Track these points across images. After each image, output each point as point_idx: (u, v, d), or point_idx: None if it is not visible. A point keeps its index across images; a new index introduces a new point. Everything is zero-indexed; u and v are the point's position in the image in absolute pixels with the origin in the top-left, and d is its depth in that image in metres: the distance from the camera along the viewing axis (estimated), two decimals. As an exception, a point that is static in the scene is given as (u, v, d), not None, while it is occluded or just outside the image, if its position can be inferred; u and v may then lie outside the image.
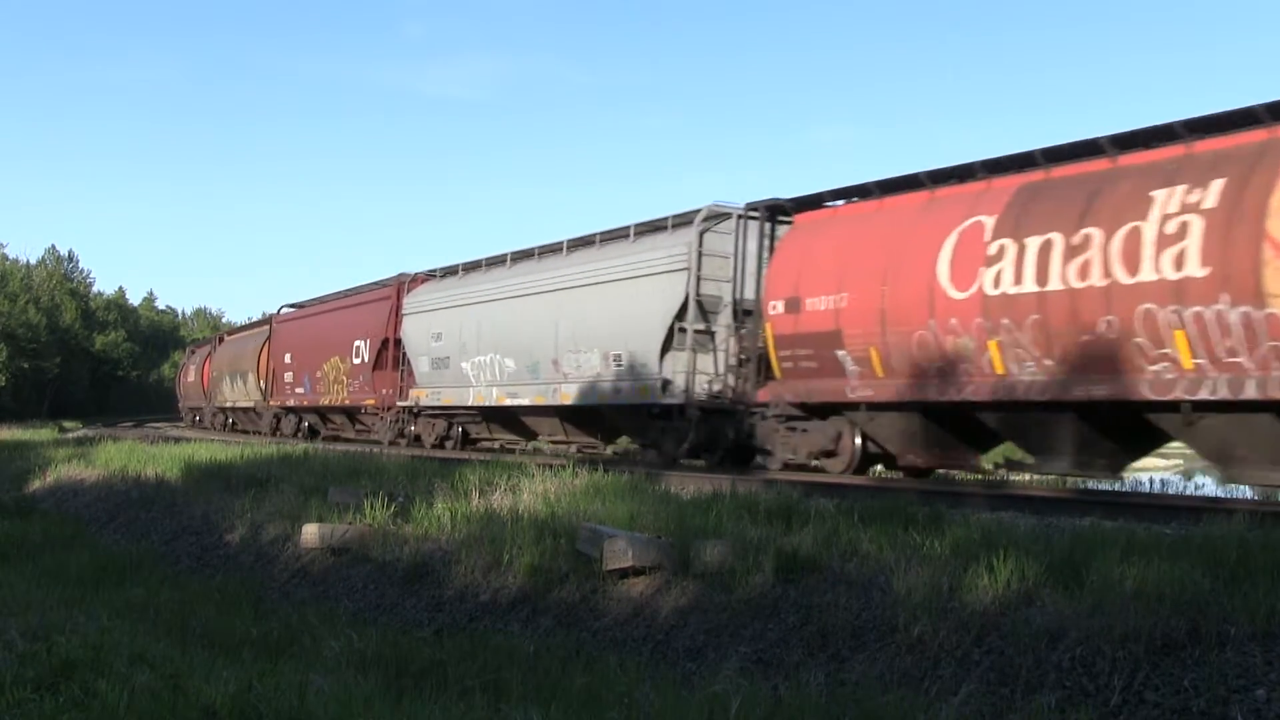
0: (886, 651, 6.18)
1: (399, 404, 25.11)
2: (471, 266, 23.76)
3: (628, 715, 5.45)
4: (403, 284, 26.18)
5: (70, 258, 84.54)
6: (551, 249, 20.80)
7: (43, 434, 36.25)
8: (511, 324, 20.67)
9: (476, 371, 21.81)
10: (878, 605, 6.54)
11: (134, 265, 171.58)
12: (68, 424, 50.62)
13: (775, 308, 14.52)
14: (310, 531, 10.62)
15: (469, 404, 22.12)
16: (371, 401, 26.69)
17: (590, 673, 6.46)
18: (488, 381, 21.44)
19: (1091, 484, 13.33)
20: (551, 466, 12.52)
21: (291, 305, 35.64)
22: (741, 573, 7.30)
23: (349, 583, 9.93)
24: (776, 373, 14.58)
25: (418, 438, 24.84)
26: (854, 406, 13.59)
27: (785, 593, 7.07)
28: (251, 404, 36.83)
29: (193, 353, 53.59)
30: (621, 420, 18.74)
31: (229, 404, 40.24)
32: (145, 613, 8.84)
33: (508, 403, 20.84)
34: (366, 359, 26.88)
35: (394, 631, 8.17)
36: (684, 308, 16.33)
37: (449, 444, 23.65)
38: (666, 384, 16.51)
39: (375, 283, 28.96)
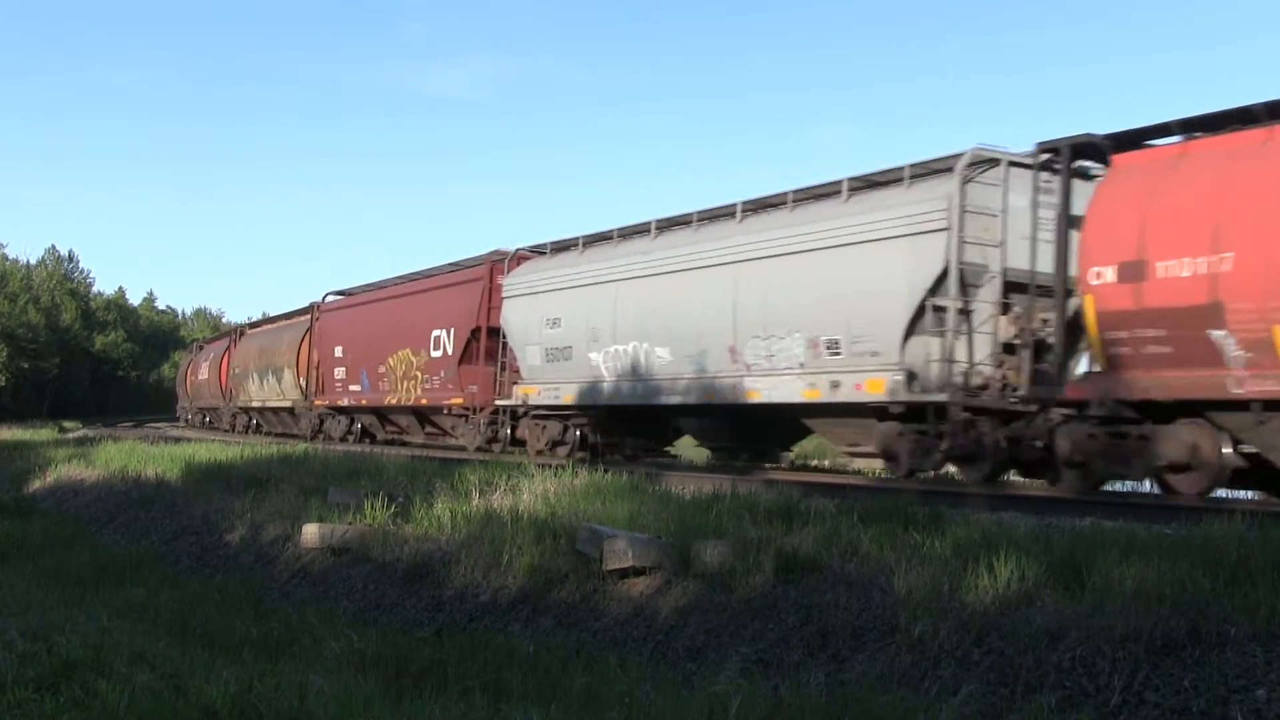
0: (887, 651, 6.18)
1: (498, 403, 21.25)
2: (596, 239, 19.71)
3: (628, 715, 5.46)
4: (498, 262, 22.21)
5: (70, 258, 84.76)
6: (717, 214, 17.18)
7: (43, 434, 36.25)
8: (665, 306, 17.03)
9: (612, 363, 18.07)
10: (878, 605, 6.54)
11: (134, 265, 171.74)
12: (68, 424, 50.61)
13: (1100, 276, 11.37)
14: (310, 531, 10.63)
15: (602, 402, 18.44)
16: (458, 401, 22.58)
17: (590, 673, 6.47)
18: (628, 375, 17.90)
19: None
20: (550, 466, 12.52)
21: (338, 292, 31.23)
22: (742, 573, 7.31)
23: (349, 583, 9.94)
24: (1100, 361, 11.57)
25: (518, 442, 21.02)
26: (1233, 406, 10.52)
27: (785, 593, 7.07)
28: (288, 404, 32.63)
29: (201, 349, 49.69)
30: (829, 422, 15.36)
31: (256, 404, 35.82)
32: (145, 613, 8.85)
33: (660, 401, 17.24)
34: (450, 351, 22.94)
35: (394, 631, 8.19)
36: (941, 279, 13.02)
37: (560, 450, 19.70)
38: (912, 376, 13.27)
39: (454, 264, 24.92)
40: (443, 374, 23.20)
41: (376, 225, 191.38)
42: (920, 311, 13.20)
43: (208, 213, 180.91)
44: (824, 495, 9.88)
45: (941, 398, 12.83)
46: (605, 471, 11.88)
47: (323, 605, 9.49)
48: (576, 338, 18.91)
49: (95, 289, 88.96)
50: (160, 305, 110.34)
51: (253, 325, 40.69)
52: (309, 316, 31.83)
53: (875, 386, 13.58)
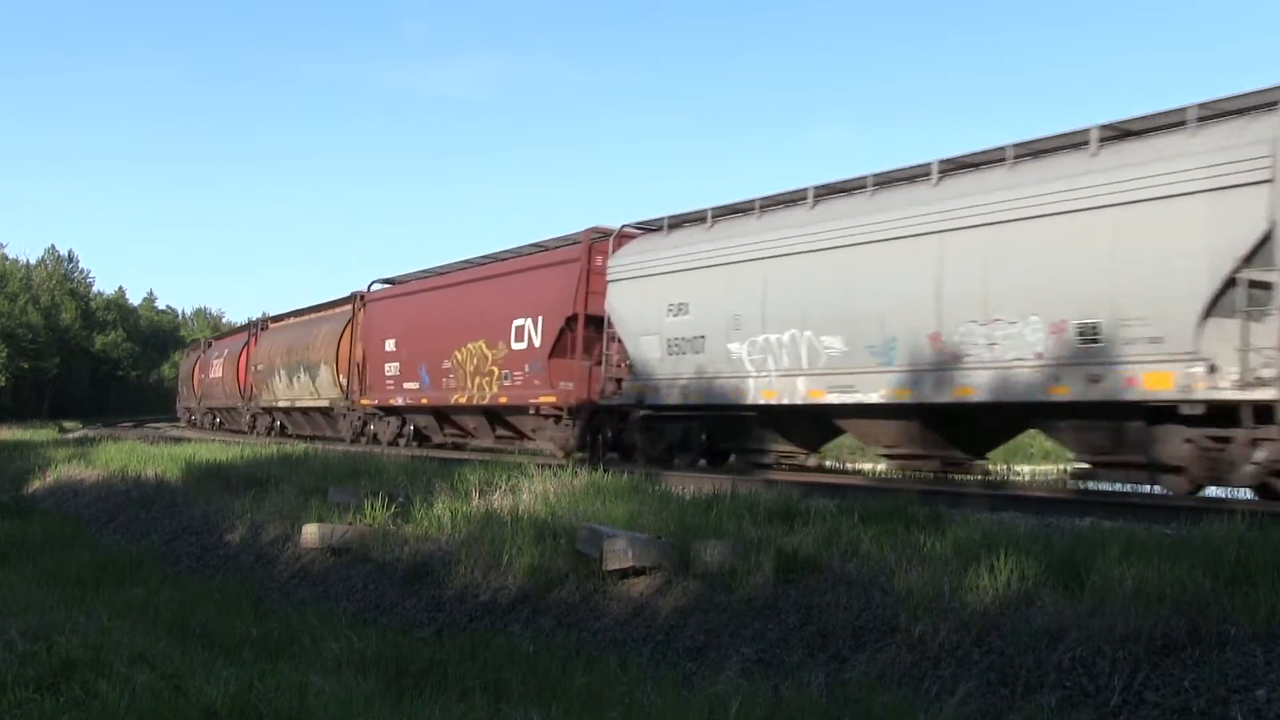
0: (887, 651, 6.18)
1: (600, 401, 18.30)
2: (730, 211, 16.81)
3: (628, 715, 5.46)
4: (597, 241, 19.23)
5: (70, 258, 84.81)
6: (899, 177, 14.43)
7: (43, 434, 36.28)
8: (835, 286, 14.31)
9: (761, 355, 15.31)
10: (878, 605, 6.54)
11: (134, 265, 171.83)
12: (68, 424, 50.69)
13: None
14: (310, 531, 10.63)
15: (748, 401, 15.58)
16: (549, 399, 19.41)
17: (591, 673, 6.47)
18: (784, 369, 14.96)
19: (1092, 484, 13.15)
20: (550, 467, 12.52)
21: (385, 281, 27.90)
22: (742, 573, 7.31)
23: (349, 583, 9.94)
24: None
25: (622, 447, 18.33)
26: None
27: (785, 593, 7.07)
28: (324, 403, 29.40)
29: (210, 345, 46.43)
30: (1072, 424, 12.44)
31: (283, 403, 32.59)
32: (145, 613, 8.85)
33: (829, 399, 14.39)
34: (538, 343, 19.85)
35: (394, 632, 8.19)
36: (1261, 246, 10.41)
37: (682, 457, 17.09)
38: (1212, 368, 10.69)
39: (536, 244, 21.77)
40: (527, 369, 20.10)
41: (377, 225, 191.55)
42: (1226, 286, 10.61)
43: (208, 213, 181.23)
44: (824, 495, 9.88)
45: (1273, 395, 10.22)
46: (605, 472, 11.88)
47: (323, 605, 9.49)
48: (711, 326, 16.18)
49: (95, 289, 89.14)
50: (160, 305, 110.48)
51: (276, 319, 36.98)
52: (350, 307, 28.66)
53: (1159, 381, 11.04)
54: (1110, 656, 5.36)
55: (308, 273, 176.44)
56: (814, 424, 15.93)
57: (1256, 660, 5.02)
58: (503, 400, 20.88)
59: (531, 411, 20.04)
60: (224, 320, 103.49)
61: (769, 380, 15.24)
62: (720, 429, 16.72)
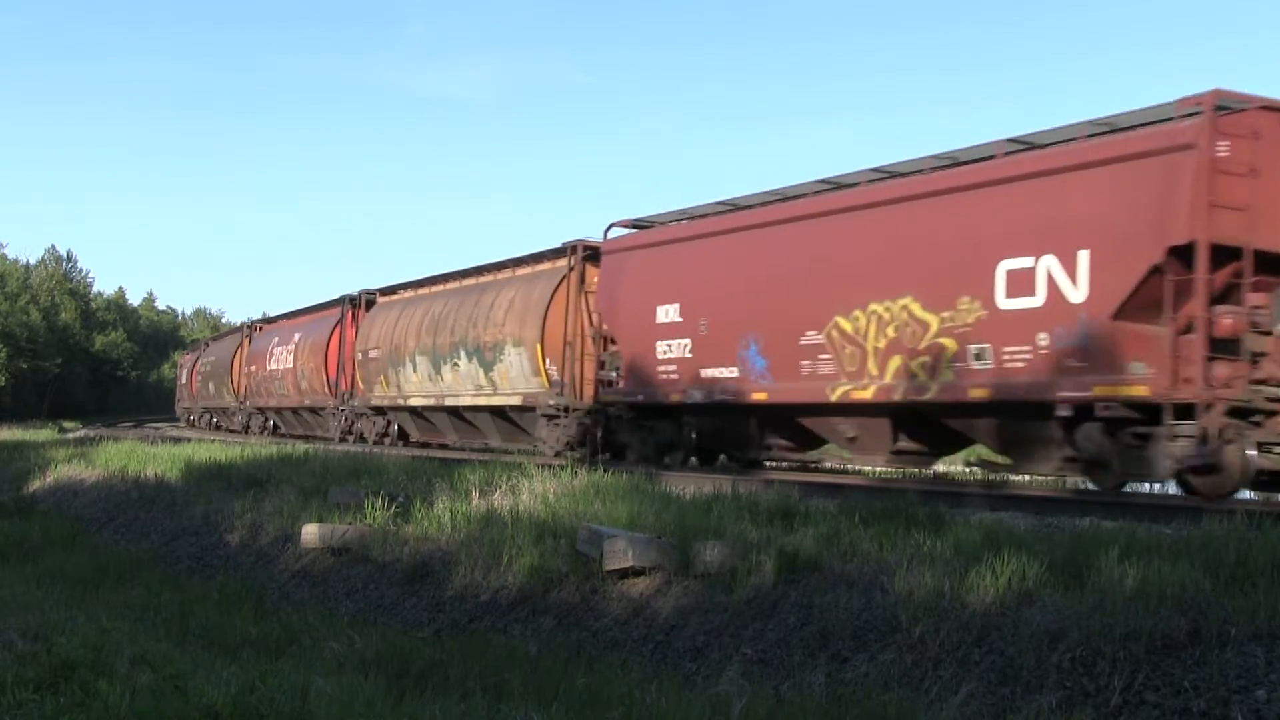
0: (887, 652, 6.18)
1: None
2: None
3: (629, 716, 5.46)
4: (1228, 115, 10.77)
5: (70, 258, 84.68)
6: None
7: (42, 434, 36.21)
8: None
9: None
10: (879, 605, 6.54)
11: (134, 265, 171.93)
12: (67, 424, 50.67)
13: None
14: (310, 532, 10.63)
15: None
16: (1128, 390, 10.95)
17: (591, 673, 6.47)
18: None
19: (1091, 484, 13.09)
20: (551, 467, 12.51)
21: (633, 224, 18.85)
22: (742, 573, 7.31)
23: (349, 583, 9.94)
24: None
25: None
26: None
27: (786, 593, 7.07)
28: (516, 399, 20.53)
29: (257, 331, 37.21)
30: None
31: (419, 400, 23.95)
32: (145, 613, 8.86)
33: None
34: (1078, 297, 11.31)
35: (394, 632, 8.19)
36: None
37: None
38: None
39: (1016, 140, 12.86)
40: (1048, 341, 11.59)
41: (376, 224, 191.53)
42: None
43: (208, 212, 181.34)
44: (824, 496, 9.87)
45: None
46: (605, 472, 11.87)
47: (323, 606, 9.50)
48: None
49: (95, 289, 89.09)
50: (160, 305, 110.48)
51: (388, 290, 27.70)
52: (565, 262, 19.89)
53: None
54: (1110, 656, 5.36)
55: (308, 272, 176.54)
56: None
57: (1257, 660, 5.02)
58: (975, 394, 12.32)
59: (1064, 411, 11.47)
60: (224, 320, 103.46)
61: None
62: None
